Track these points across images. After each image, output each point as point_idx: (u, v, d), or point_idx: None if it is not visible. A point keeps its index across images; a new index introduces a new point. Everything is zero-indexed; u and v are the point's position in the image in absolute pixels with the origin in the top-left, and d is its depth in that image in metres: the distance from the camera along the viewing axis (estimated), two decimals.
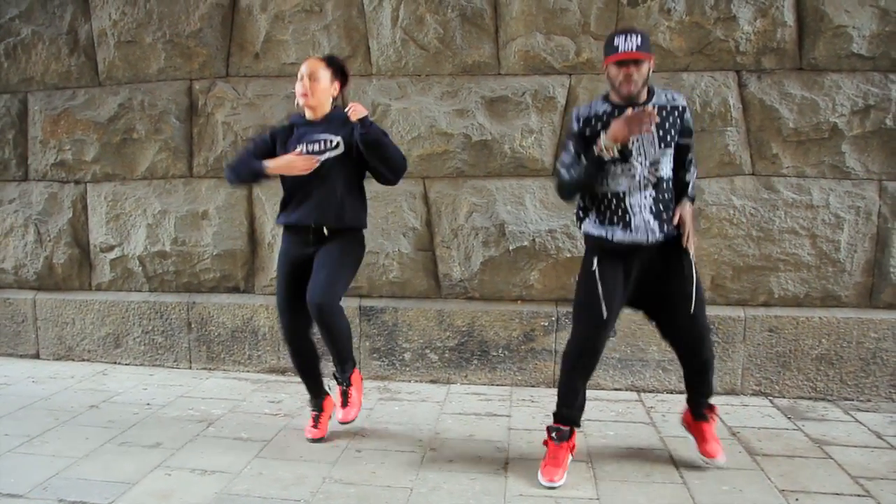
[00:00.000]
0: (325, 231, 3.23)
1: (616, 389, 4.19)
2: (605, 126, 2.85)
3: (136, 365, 4.60)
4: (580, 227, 3.09)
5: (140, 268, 4.61)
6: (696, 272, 2.98)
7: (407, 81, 4.33)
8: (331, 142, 3.20)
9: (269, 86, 4.42)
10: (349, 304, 4.38)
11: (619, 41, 2.79)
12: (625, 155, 2.87)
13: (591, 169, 2.83)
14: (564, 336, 4.16)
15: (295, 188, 3.24)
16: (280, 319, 3.35)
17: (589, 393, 3.77)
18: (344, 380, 3.36)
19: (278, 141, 3.29)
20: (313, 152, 3.18)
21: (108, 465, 3.07)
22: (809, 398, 4.08)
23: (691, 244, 2.96)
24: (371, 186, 4.36)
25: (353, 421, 3.35)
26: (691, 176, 3.06)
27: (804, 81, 4.08)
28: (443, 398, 4.07)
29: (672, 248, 2.95)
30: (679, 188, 3.02)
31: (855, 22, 3.99)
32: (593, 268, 2.95)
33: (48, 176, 4.71)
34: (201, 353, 4.52)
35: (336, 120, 3.24)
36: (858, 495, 2.87)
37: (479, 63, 4.28)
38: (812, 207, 4.08)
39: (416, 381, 4.35)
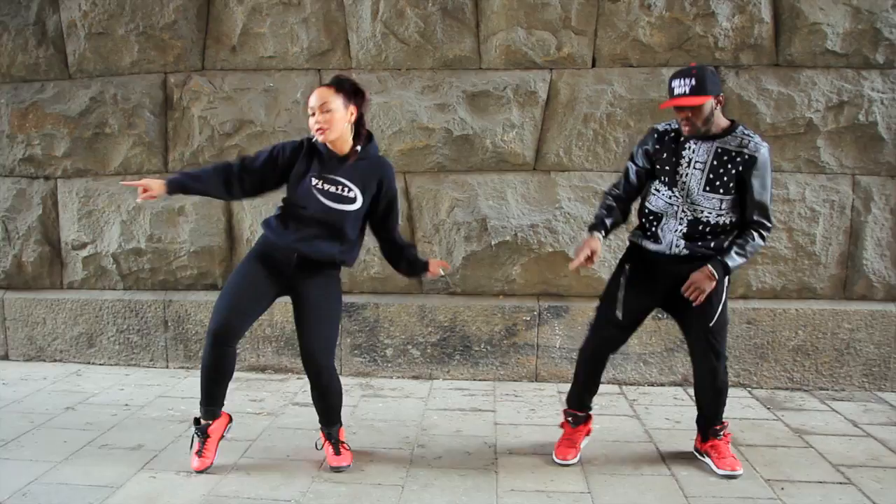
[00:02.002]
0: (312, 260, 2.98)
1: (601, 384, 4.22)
2: (674, 143, 2.94)
3: (111, 365, 4.49)
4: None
5: (114, 265, 4.50)
6: (726, 298, 2.96)
7: (387, 76, 4.30)
8: (349, 192, 2.90)
9: (247, 79, 4.34)
10: None
11: (676, 84, 2.83)
12: (673, 180, 2.92)
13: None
14: (546, 330, 4.22)
15: (296, 209, 2.94)
16: (219, 319, 2.89)
17: None
18: (333, 434, 3.12)
19: (299, 159, 2.93)
20: (327, 193, 2.88)
21: (89, 469, 2.99)
22: (786, 388, 4.16)
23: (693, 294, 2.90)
24: None
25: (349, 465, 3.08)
26: (745, 240, 2.89)
27: (781, 77, 4.14)
28: (426, 394, 4.06)
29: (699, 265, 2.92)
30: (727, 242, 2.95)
31: (829, 19, 4.06)
32: (622, 274, 3.07)
33: (16, 171, 4.57)
34: (178, 351, 4.43)
35: (364, 166, 2.92)
36: (840, 483, 2.94)
37: (460, 57, 4.26)
38: (789, 201, 4.15)
39: (399, 378, 4.32)
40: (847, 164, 4.16)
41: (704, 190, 2.88)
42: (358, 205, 2.92)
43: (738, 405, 3.89)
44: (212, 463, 3.02)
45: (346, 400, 3.86)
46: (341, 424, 3.17)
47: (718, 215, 2.89)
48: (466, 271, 4.30)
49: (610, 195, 3.10)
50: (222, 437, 3.12)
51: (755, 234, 2.90)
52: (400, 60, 4.28)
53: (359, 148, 2.92)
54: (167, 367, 4.46)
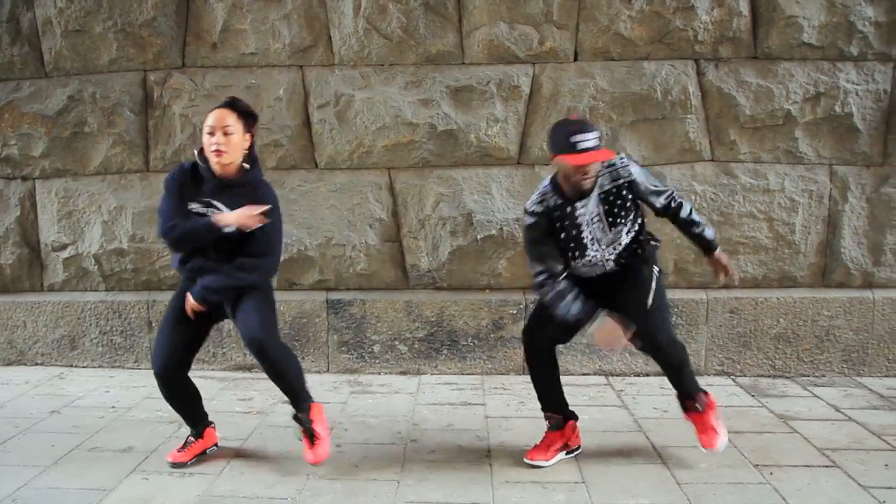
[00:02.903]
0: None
1: (585, 374, 4.26)
2: (563, 217, 2.90)
3: (95, 367, 4.43)
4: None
5: (96, 266, 4.44)
6: (656, 281, 3.01)
7: (370, 71, 4.29)
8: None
9: (229, 76, 4.31)
10: (316, 298, 4.34)
11: (578, 140, 2.74)
12: (583, 246, 2.94)
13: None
14: None
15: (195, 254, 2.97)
16: (160, 363, 3.02)
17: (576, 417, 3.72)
18: (304, 419, 3.02)
19: (185, 190, 2.93)
20: (201, 216, 2.90)
21: (79, 473, 2.96)
22: (769, 376, 4.24)
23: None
24: (335, 178, 4.36)
25: (325, 460, 3.01)
26: (699, 228, 3.00)
27: (759, 70, 4.21)
28: (415, 389, 4.07)
29: (631, 267, 3.02)
30: (695, 241, 3.08)
31: (805, 12, 4.14)
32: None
33: None
34: None
35: (243, 192, 2.91)
36: (826, 466, 3.01)
37: (443, 52, 4.27)
38: (769, 192, 4.22)
39: (387, 374, 4.32)
40: (824, 154, 4.24)
41: (611, 229, 2.91)
42: (234, 230, 2.86)
43: (722, 393, 3.95)
44: (187, 462, 3.03)
45: (335, 397, 3.93)
46: (311, 398, 3.06)
47: (628, 233, 2.95)
48: (452, 266, 4.32)
49: (556, 279, 2.93)
50: (205, 451, 3.12)
51: (686, 210, 2.98)
52: (383, 56, 4.28)
53: (247, 166, 2.93)
54: (152, 368, 4.40)
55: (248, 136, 2.91)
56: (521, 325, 4.22)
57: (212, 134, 2.83)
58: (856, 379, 4.19)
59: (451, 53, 4.27)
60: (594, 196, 2.88)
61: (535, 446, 3.10)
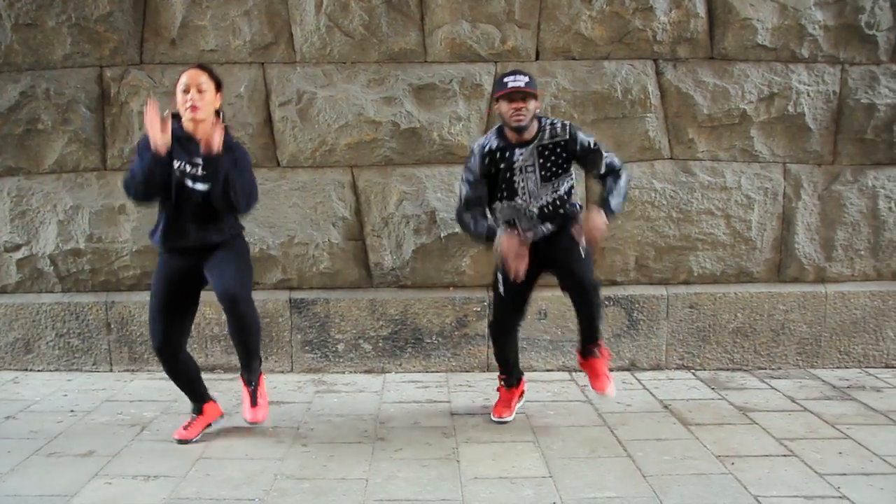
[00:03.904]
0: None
1: (548, 370, 4.30)
2: (501, 160, 3.27)
3: (51, 370, 4.32)
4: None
5: (51, 267, 4.32)
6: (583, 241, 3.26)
7: (332, 69, 4.26)
8: (203, 171, 3.04)
9: None
10: (279, 297, 4.30)
11: (509, 80, 3.18)
12: (513, 190, 3.29)
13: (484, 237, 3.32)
14: None
15: (170, 210, 3.09)
16: (159, 337, 3.17)
17: (524, 374, 3.85)
18: (253, 379, 3.26)
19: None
20: (189, 174, 3.03)
21: (39, 479, 2.89)
22: (728, 369, 4.34)
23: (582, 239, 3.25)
24: (297, 176, 4.33)
25: (263, 421, 3.27)
26: (612, 185, 3.26)
27: (716, 70, 4.30)
28: (380, 388, 4.06)
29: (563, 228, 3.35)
30: (601, 203, 3.28)
31: (759, 15, 4.24)
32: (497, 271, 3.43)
33: None
34: (123, 354, 4.30)
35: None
36: (785, 455, 3.10)
37: (406, 50, 4.26)
38: (726, 189, 4.32)
39: (351, 372, 4.31)
40: (778, 153, 4.36)
41: (542, 183, 3.29)
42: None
43: (683, 387, 4.04)
44: (192, 438, 3.24)
45: (300, 396, 3.91)
46: (261, 368, 3.31)
47: (554, 191, 3.30)
48: (416, 264, 4.32)
49: (474, 213, 3.34)
50: (209, 424, 3.35)
51: (619, 175, 3.27)
52: (345, 54, 4.25)
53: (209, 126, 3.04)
54: (111, 370, 4.31)
55: (218, 95, 3.09)
56: (485, 322, 4.26)
57: (186, 91, 3.00)
58: (809, 371, 4.32)
59: (413, 52, 4.27)
60: (532, 146, 3.25)
61: (498, 404, 3.58)
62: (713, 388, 4.01)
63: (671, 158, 4.34)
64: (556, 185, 3.30)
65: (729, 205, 4.32)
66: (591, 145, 3.27)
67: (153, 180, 2.99)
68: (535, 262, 3.30)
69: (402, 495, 2.75)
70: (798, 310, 4.33)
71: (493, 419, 3.51)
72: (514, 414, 3.56)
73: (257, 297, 4.20)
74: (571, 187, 3.38)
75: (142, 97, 4.20)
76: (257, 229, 4.25)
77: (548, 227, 3.34)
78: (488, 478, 2.89)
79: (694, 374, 4.28)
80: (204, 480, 2.87)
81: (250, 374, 3.25)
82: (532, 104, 3.17)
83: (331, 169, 4.30)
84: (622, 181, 3.27)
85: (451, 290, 4.34)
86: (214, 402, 3.41)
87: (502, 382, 3.60)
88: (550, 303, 4.23)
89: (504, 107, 3.18)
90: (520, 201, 3.30)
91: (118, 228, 4.27)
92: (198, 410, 3.35)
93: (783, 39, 4.28)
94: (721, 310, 4.32)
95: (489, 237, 3.26)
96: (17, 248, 4.33)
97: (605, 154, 3.28)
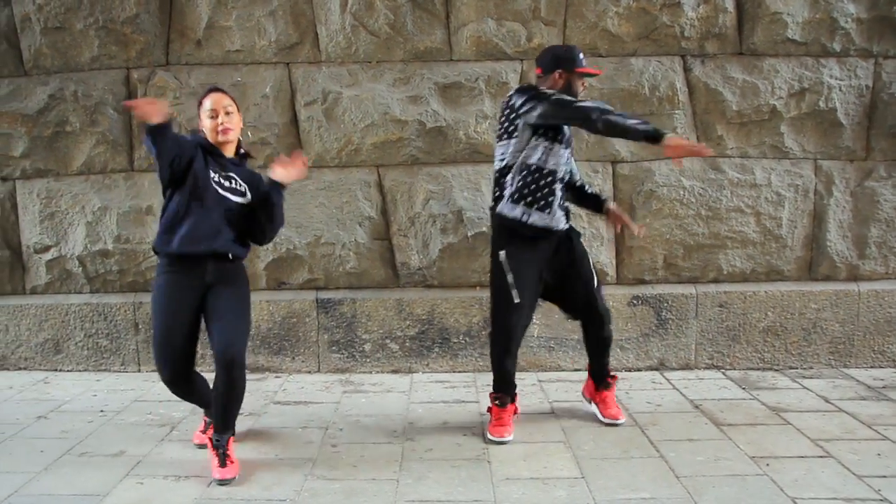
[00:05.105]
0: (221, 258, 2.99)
1: (577, 370, 4.26)
2: None
3: (80, 371, 4.35)
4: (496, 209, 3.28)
5: (80, 268, 4.35)
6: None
7: (358, 68, 4.25)
8: (240, 187, 3.00)
9: (214, 74, 4.23)
10: (305, 297, 4.30)
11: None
12: (564, 136, 3.18)
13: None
14: None
15: (184, 210, 2.93)
16: (167, 371, 2.98)
17: (551, 374, 3.89)
18: (223, 443, 2.94)
19: (197, 155, 2.94)
20: (224, 186, 2.96)
21: (71, 479, 2.90)
22: (758, 369, 4.28)
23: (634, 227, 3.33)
24: (323, 176, 4.33)
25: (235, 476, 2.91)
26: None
27: (745, 65, 4.24)
28: (408, 388, 4.05)
29: (570, 235, 3.32)
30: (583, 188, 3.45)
31: (789, 9, 4.18)
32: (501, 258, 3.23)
33: None
34: (151, 354, 4.28)
35: (245, 170, 3.08)
36: (821, 456, 3.04)
37: (431, 49, 4.25)
38: (755, 186, 4.26)
39: (378, 372, 4.30)
40: (809, 149, 4.29)
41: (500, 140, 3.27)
42: (248, 198, 3.01)
43: (714, 386, 3.99)
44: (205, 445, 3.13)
45: (328, 397, 3.91)
46: (234, 433, 3.03)
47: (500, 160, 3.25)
48: (443, 263, 4.30)
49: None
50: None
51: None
52: (370, 53, 4.25)
53: (242, 151, 3.12)
54: (139, 370, 4.34)
55: (239, 115, 3.08)
56: None
57: (214, 116, 2.97)
58: (842, 370, 4.25)
59: (438, 50, 4.26)
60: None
61: (495, 424, 3.28)
62: (744, 388, 3.96)
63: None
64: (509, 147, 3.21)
65: (759, 202, 4.26)
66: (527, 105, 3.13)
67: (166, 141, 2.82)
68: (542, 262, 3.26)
69: (433, 496, 2.73)
70: (830, 308, 4.26)
71: (493, 438, 3.22)
72: (513, 433, 3.28)
73: (284, 297, 4.28)
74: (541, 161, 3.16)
75: (168, 98, 4.22)
76: (284, 229, 4.23)
77: (563, 221, 3.24)
78: (520, 478, 2.86)
79: (724, 373, 4.23)
80: (235, 481, 2.86)
81: (220, 437, 2.95)
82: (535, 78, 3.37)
83: (357, 168, 4.29)
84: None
85: (478, 289, 4.31)
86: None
87: (496, 402, 3.31)
88: None
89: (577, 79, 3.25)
90: (564, 153, 3.22)
91: (145, 229, 4.29)
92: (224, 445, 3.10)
93: (814, 33, 4.21)
94: (751, 308, 4.26)
95: (656, 135, 2.92)
96: (47, 249, 4.37)
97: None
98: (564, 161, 3.20)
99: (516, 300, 3.16)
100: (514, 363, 3.34)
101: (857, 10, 4.17)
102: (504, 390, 3.34)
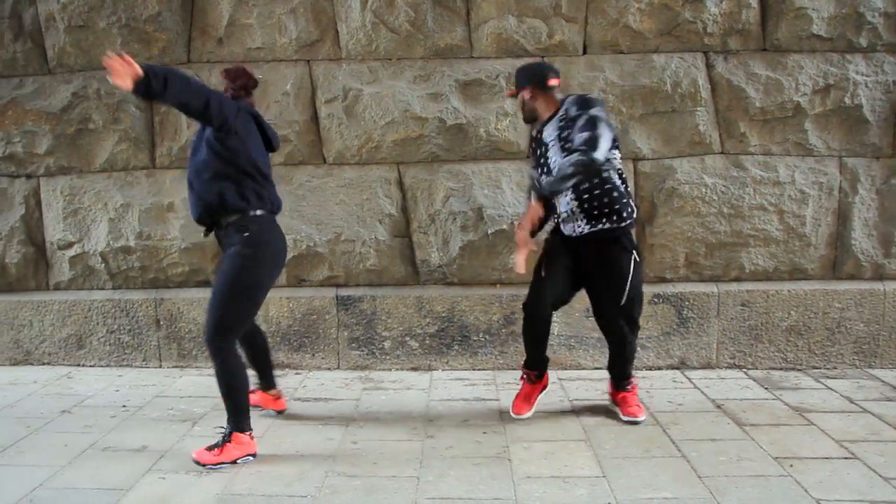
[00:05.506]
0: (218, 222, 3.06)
1: (597, 368, 4.23)
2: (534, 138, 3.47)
3: (103, 366, 4.39)
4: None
5: (102, 264, 4.39)
6: (634, 271, 3.32)
7: (378, 66, 4.25)
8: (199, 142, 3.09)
9: None
10: (326, 294, 4.31)
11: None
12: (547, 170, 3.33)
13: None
14: None
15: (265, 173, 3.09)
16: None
17: (572, 373, 3.87)
18: (225, 431, 3.02)
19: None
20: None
21: (95, 473, 2.93)
22: (781, 368, 4.23)
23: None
24: (344, 173, 4.33)
25: (205, 465, 2.94)
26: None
27: (768, 62, 4.19)
28: (427, 385, 4.04)
29: (607, 242, 3.32)
30: None
31: (814, 4, 4.12)
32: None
33: None
34: (172, 350, 4.36)
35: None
36: (846, 458, 3.00)
37: (452, 46, 4.24)
38: (779, 184, 4.21)
39: (398, 370, 4.30)
40: (834, 146, 4.23)
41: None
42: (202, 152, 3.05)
43: (735, 386, 3.95)
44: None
45: (347, 393, 3.91)
46: (242, 430, 3.02)
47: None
48: (463, 261, 4.29)
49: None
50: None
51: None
52: (391, 50, 4.24)
53: None
54: (160, 366, 4.37)
55: None
56: None
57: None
58: (867, 370, 4.19)
59: (459, 47, 4.24)
60: (554, 120, 3.32)
61: (517, 400, 3.56)
62: (766, 388, 3.92)
63: (722, 153, 4.25)
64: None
65: (782, 200, 4.21)
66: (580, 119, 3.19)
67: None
68: (574, 271, 3.41)
69: (454, 493, 2.72)
70: (855, 307, 4.20)
71: (512, 415, 3.50)
72: (532, 411, 3.53)
73: (305, 294, 4.29)
74: (612, 178, 3.27)
75: None
76: (304, 226, 4.27)
77: (581, 226, 3.32)
78: (541, 477, 2.85)
79: (746, 373, 4.18)
80: (256, 477, 2.88)
81: (226, 424, 3.04)
82: (519, 97, 3.41)
83: (377, 166, 4.30)
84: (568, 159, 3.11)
85: (498, 287, 4.30)
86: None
87: (526, 377, 3.58)
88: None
89: None
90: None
91: (167, 226, 4.32)
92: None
93: (840, 28, 4.15)
94: (774, 307, 4.21)
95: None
96: (70, 245, 4.41)
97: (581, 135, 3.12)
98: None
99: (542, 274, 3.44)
100: (544, 345, 3.55)
101: (884, 5, 4.10)
102: (532, 365, 3.59)
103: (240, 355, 3.10)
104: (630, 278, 3.31)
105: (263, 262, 3.00)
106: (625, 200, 3.28)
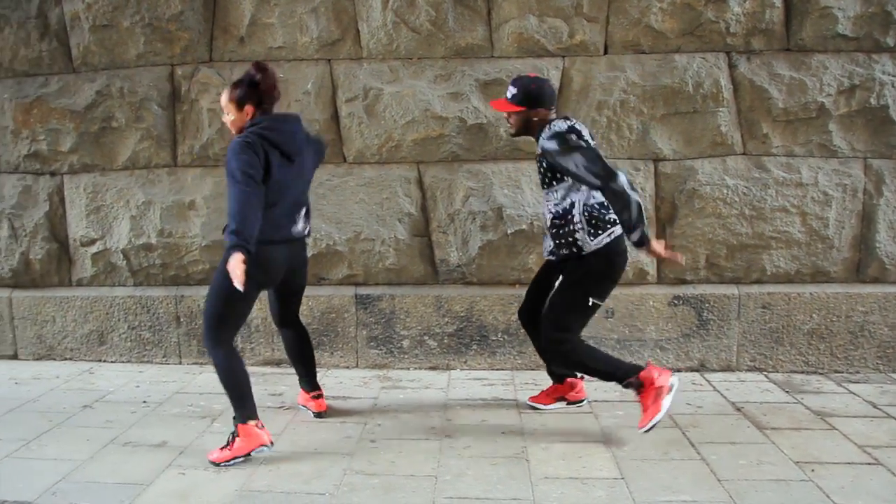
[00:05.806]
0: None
1: None
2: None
3: (124, 362, 4.44)
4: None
5: (124, 261, 4.44)
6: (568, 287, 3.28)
7: (399, 65, 4.26)
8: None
9: None
10: (344, 293, 4.32)
11: (509, 87, 3.33)
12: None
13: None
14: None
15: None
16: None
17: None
18: (233, 427, 3.06)
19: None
20: None
21: (116, 467, 2.96)
22: (802, 372, 4.18)
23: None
24: (364, 172, 4.34)
25: (219, 463, 2.98)
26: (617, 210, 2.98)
27: (792, 62, 4.15)
28: (445, 385, 4.05)
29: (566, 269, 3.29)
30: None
31: (840, 3, 4.07)
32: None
33: (21, 168, 4.48)
34: (192, 347, 4.39)
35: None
36: (869, 463, 2.96)
37: (473, 45, 4.23)
38: (801, 186, 4.16)
39: (416, 369, 4.31)
40: (859, 147, 4.18)
41: (542, 187, 3.29)
42: None
43: (756, 389, 3.91)
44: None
45: (366, 392, 3.92)
46: (248, 419, 3.01)
47: (556, 204, 3.21)
48: (482, 261, 4.29)
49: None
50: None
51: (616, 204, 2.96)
52: (411, 49, 4.25)
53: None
54: (181, 362, 4.41)
55: (247, 108, 3.17)
56: None
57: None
58: (891, 375, 4.13)
59: (480, 47, 4.24)
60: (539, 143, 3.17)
61: (539, 394, 3.69)
62: (787, 392, 3.88)
63: (744, 154, 4.21)
64: (556, 194, 3.21)
65: (805, 202, 4.16)
66: (562, 162, 3.02)
67: None
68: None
69: (472, 493, 2.72)
70: (879, 311, 4.15)
71: (528, 402, 3.68)
72: (550, 406, 3.64)
73: (323, 292, 4.30)
74: (571, 205, 3.15)
75: (212, 94, 4.28)
76: (324, 225, 4.28)
77: (549, 245, 3.35)
78: (559, 478, 2.85)
79: (766, 376, 4.14)
80: (274, 474, 2.90)
81: (234, 418, 3.07)
82: (513, 119, 3.30)
83: (397, 165, 4.30)
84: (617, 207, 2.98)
85: (517, 287, 4.29)
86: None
87: (551, 376, 3.70)
88: (618, 301, 4.15)
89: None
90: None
91: (188, 224, 4.36)
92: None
93: (866, 28, 4.10)
94: (795, 310, 4.16)
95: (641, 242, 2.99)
96: (93, 242, 4.46)
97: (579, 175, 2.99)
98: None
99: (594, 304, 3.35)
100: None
101: None
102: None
103: (236, 349, 3.18)
104: (573, 296, 3.24)
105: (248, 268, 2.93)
106: (583, 231, 3.13)
